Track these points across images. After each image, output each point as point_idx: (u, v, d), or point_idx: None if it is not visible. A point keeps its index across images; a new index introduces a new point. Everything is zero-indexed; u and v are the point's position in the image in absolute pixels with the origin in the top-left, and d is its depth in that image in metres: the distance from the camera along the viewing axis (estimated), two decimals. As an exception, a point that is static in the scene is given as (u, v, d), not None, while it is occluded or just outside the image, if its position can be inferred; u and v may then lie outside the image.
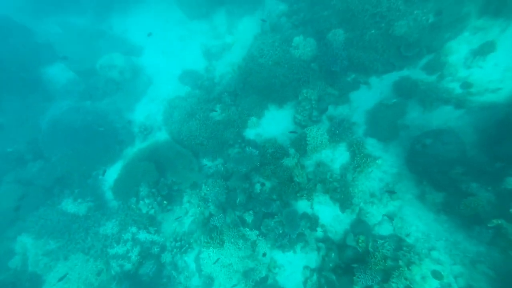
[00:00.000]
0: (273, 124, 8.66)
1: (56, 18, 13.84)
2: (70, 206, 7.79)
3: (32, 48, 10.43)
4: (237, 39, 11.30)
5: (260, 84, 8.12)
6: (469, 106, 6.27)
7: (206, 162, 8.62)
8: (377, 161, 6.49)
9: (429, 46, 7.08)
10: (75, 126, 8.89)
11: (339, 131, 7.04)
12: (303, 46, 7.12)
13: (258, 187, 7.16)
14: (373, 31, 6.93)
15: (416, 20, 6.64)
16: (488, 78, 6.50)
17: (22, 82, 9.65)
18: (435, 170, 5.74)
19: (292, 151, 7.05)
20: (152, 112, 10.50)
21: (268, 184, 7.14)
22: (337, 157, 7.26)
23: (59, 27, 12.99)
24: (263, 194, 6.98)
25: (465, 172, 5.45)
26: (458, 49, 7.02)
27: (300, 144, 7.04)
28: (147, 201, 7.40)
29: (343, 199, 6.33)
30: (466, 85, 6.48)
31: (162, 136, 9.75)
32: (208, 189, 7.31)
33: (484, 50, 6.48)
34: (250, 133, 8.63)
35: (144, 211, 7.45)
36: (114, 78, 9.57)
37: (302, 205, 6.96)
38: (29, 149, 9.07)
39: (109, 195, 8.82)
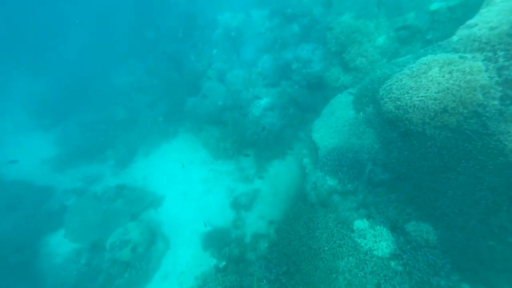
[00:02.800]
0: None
1: (79, 169, 13.81)
2: None
3: (39, 219, 9.27)
4: (268, 185, 9.87)
5: (315, 277, 5.68)
6: None
7: None
8: None
9: None
10: None
11: None
12: (372, 236, 5.05)
13: None
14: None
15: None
16: None
17: (12, 269, 7.85)
18: None
19: None
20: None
21: None
22: None
23: (80, 181, 12.56)
24: None
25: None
26: None
27: None
28: None
29: None
30: None
31: None
32: None
33: None
34: None
35: None
36: (124, 259, 7.60)
37: None
38: None
39: None
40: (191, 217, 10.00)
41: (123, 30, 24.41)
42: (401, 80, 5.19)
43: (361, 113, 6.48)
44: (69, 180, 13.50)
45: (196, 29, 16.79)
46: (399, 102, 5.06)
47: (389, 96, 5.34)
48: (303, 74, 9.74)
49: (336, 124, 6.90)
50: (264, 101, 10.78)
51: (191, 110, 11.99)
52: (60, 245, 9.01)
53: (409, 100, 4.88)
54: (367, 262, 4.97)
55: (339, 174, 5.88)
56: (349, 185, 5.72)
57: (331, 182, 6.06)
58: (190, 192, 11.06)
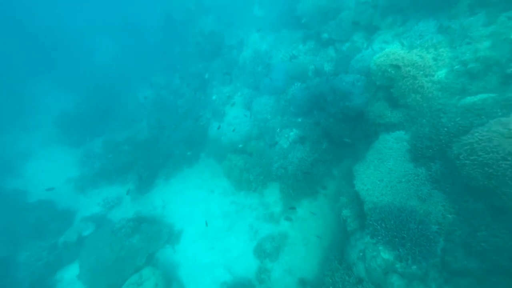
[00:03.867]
0: None
1: (100, 190, 13.64)
2: None
3: (58, 252, 8.89)
4: (297, 229, 8.73)
5: None
6: None
7: None
8: None
9: None
10: None
11: None
12: None
13: None
14: None
15: None
16: None
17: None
18: None
19: None
20: None
21: None
22: None
23: (100, 206, 12.29)
24: None
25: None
26: None
27: None
28: None
29: None
30: None
31: None
32: None
33: None
34: None
35: None
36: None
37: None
38: None
39: None
40: (211, 261, 9.07)
41: (152, 43, 25.09)
42: (490, 140, 3.98)
43: (423, 168, 5.26)
44: (89, 203, 13.32)
45: (223, 48, 16.51)
46: (491, 170, 3.83)
47: (471, 158, 4.13)
48: (340, 107, 8.69)
49: (388, 177, 5.71)
50: (294, 133, 9.81)
51: (215, 137, 11.33)
52: (73, 286, 8.48)
53: (510, 169, 3.65)
54: None
55: (399, 248, 4.66)
56: (414, 267, 4.47)
57: (386, 255, 4.83)
58: (210, 227, 10.20)
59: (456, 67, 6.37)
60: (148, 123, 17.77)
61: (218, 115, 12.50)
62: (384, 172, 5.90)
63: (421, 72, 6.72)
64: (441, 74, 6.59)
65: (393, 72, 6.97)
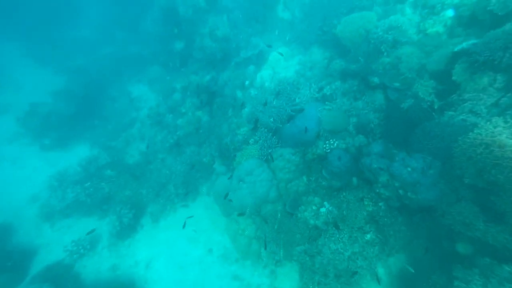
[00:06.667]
0: None
1: (73, 222, 11.18)
2: None
3: None
4: None
5: None
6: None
7: None
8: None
9: None
10: None
11: None
12: None
13: None
14: None
15: None
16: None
17: None
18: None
19: None
20: None
21: None
22: None
23: (67, 252, 9.86)
24: None
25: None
26: None
27: None
28: None
29: None
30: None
31: None
32: None
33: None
34: None
35: None
36: None
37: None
38: None
39: None
40: None
41: (151, 32, 21.42)
42: None
43: None
44: (56, 239, 10.92)
45: (238, 59, 13.73)
46: None
47: None
48: (398, 194, 6.47)
49: None
50: (326, 209, 7.57)
51: (221, 192, 8.98)
52: None
53: None
54: None
55: None
56: None
57: None
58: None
59: None
60: (139, 132, 15.13)
61: (226, 157, 10.05)
62: None
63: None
64: None
65: (489, 163, 4.75)
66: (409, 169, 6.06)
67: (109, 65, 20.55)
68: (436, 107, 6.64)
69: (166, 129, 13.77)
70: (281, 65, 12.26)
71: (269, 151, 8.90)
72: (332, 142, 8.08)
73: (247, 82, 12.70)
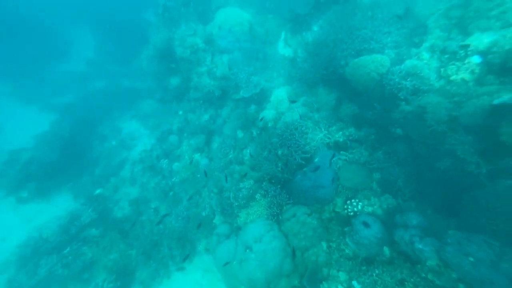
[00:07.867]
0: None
1: None
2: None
3: None
4: None
5: None
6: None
7: None
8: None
9: None
10: None
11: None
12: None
13: None
14: None
15: None
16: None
17: None
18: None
19: None
20: None
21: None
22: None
23: None
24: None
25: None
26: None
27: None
28: None
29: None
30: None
31: None
32: None
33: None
34: None
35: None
36: None
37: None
38: None
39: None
40: None
41: (145, 67, 20.80)
42: None
43: None
44: None
45: (237, 99, 12.92)
46: None
47: None
48: None
49: None
50: (356, 289, 6.24)
51: (224, 260, 7.57)
52: None
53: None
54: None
55: None
56: None
57: None
58: None
59: None
60: (130, 175, 13.80)
61: (229, 214, 8.75)
62: None
63: None
64: None
65: None
66: (471, 259, 4.86)
67: (99, 100, 19.61)
68: (484, 171, 5.66)
69: (160, 174, 12.51)
70: (284, 105, 11.44)
71: (279, 210, 7.70)
72: (355, 204, 6.95)
73: (248, 122, 11.82)
